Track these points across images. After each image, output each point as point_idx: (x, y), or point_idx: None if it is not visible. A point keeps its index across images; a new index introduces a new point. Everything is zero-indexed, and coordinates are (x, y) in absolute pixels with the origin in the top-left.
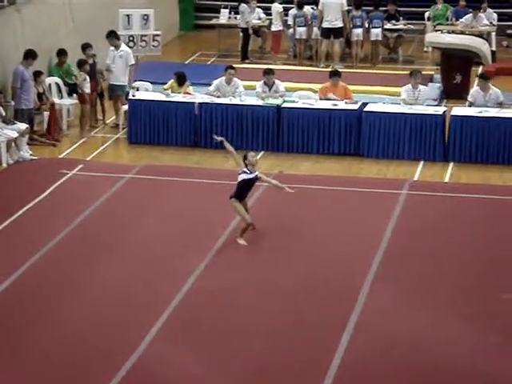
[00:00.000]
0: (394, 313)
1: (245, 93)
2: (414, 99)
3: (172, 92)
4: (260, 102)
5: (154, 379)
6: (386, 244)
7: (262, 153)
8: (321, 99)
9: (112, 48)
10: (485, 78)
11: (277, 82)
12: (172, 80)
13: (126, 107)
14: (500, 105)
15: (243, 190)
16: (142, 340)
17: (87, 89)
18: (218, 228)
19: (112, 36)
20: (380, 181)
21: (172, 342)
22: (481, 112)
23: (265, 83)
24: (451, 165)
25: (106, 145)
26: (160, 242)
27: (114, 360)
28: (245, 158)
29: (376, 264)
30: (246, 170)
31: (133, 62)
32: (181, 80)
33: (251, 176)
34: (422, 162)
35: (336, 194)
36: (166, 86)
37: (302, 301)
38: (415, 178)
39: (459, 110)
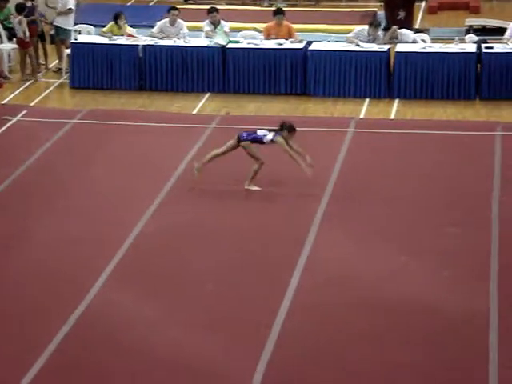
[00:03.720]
0: (343, 252)
1: (189, 34)
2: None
3: (113, 35)
4: (205, 43)
5: (103, 325)
6: (334, 183)
7: (208, 94)
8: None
9: None
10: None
11: (222, 22)
12: (112, 23)
13: (68, 51)
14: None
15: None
16: (92, 287)
17: (27, 33)
18: (167, 171)
19: None
20: (327, 119)
21: (122, 288)
22: (424, 48)
23: (211, 22)
24: (396, 101)
25: (49, 90)
26: (108, 187)
27: (63, 307)
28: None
29: (324, 204)
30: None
31: (70, 7)
32: (118, 18)
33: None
34: (367, 100)
35: None
36: (105, 29)
37: (250, 243)
38: (361, 116)
39: (403, 47)
